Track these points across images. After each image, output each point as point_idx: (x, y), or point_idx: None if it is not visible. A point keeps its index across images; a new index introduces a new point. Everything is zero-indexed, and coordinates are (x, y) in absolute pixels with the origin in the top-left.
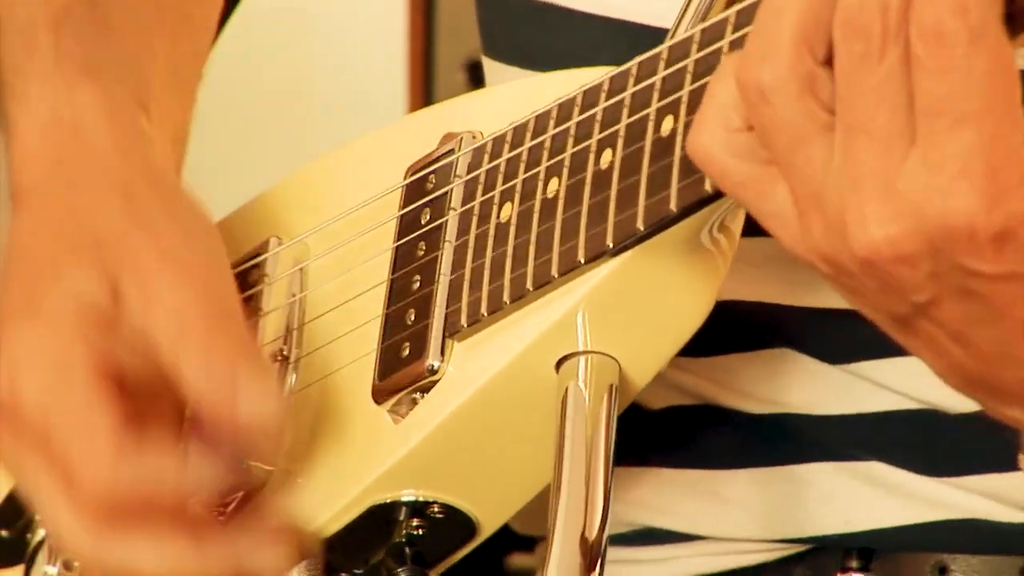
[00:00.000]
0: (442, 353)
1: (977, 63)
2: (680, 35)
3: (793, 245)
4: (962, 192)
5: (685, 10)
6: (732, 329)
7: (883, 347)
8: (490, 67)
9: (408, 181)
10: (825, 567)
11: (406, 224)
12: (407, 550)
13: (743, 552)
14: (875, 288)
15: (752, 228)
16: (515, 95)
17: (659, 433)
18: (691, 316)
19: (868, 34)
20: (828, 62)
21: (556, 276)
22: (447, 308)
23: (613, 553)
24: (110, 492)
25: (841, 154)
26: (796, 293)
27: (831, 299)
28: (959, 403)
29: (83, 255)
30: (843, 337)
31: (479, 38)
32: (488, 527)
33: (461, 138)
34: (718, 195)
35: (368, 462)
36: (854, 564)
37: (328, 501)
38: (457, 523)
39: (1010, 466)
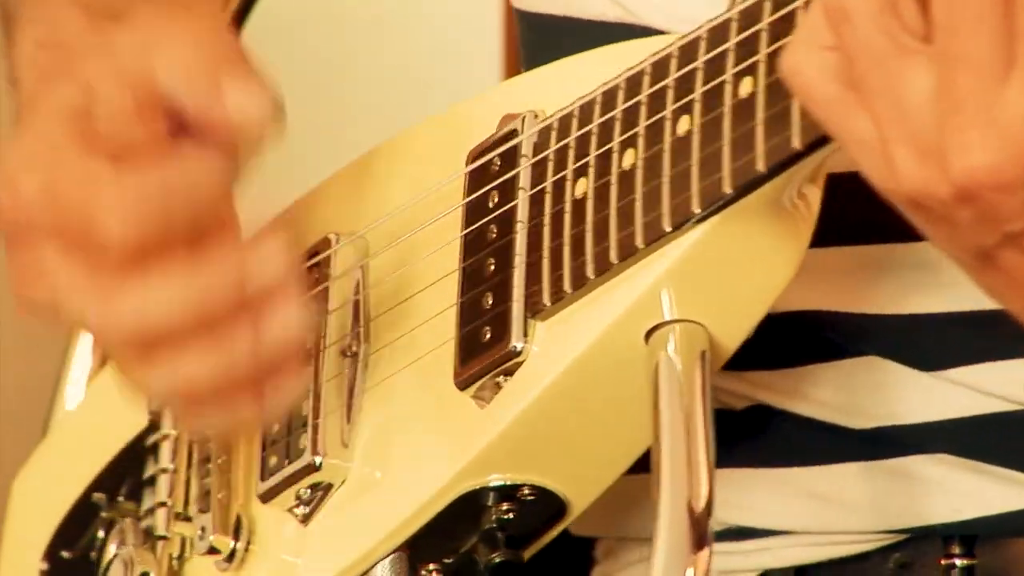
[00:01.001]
0: (525, 334)
1: None
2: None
3: (877, 174)
4: None
5: None
6: (813, 339)
7: (979, 352)
8: None
9: (471, 168)
10: (927, 554)
11: (473, 210)
12: (499, 535)
13: (840, 543)
14: (968, 219)
15: (832, 239)
16: (570, 72)
17: (744, 433)
18: (777, 278)
19: None
20: None
21: (641, 247)
22: (527, 289)
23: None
24: (128, 225)
25: (939, 81)
26: (880, 302)
27: (919, 305)
28: None
29: (55, 80)
30: (932, 344)
31: None
32: (578, 505)
33: (523, 118)
34: (807, 151)
35: (456, 450)
36: (956, 550)
37: (415, 493)
38: (548, 504)
39: None
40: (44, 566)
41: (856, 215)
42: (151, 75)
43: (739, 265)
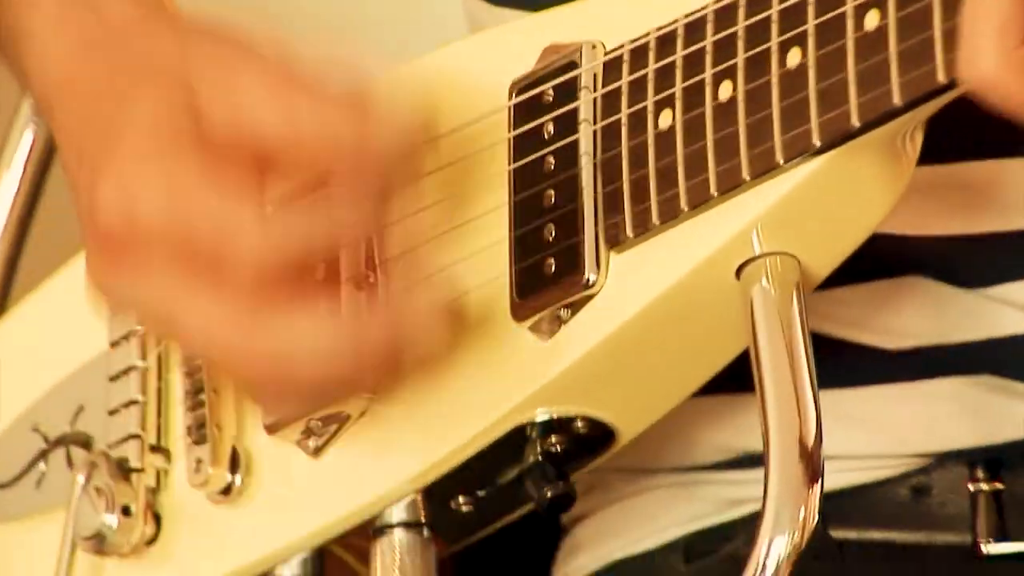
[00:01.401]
0: (598, 266)
1: None
2: None
3: None
4: None
5: None
6: (850, 260)
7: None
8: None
9: (517, 101)
10: (953, 479)
11: (523, 144)
12: (548, 467)
13: (861, 469)
14: None
15: None
16: (617, 5)
17: None
18: (874, 215)
19: None
20: None
21: (748, 179)
22: (606, 221)
23: (719, 476)
24: (265, 259)
25: None
26: (924, 223)
27: (963, 226)
28: None
29: (146, 84)
30: (977, 262)
31: None
32: (628, 435)
33: (580, 50)
34: (948, 86)
35: (514, 382)
36: (981, 475)
37: (467, 423)
38: (598, 434)
39: None
40: None
41: None
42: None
43: (842, 202)
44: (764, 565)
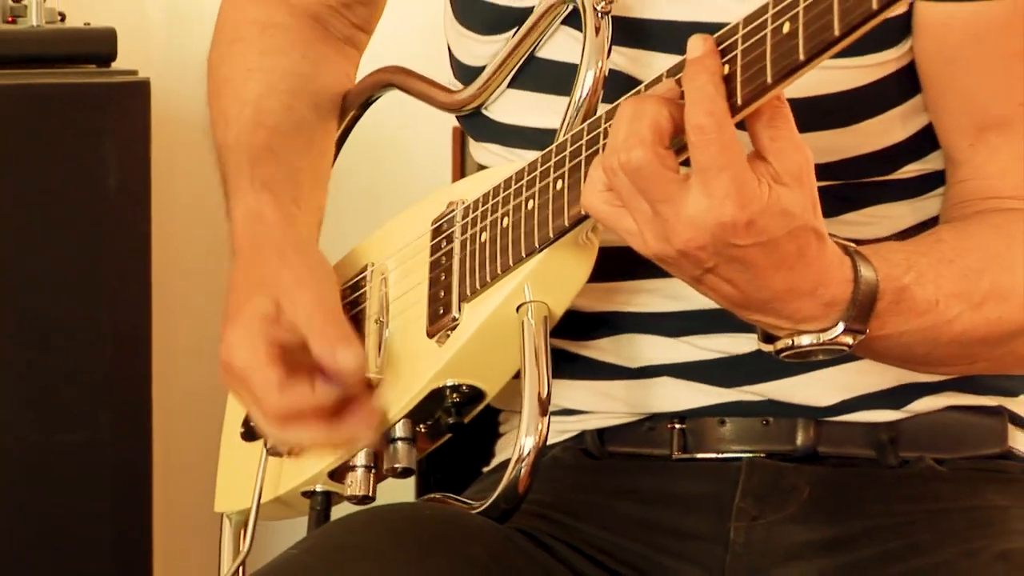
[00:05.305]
0: (460, 310)
1: (722, 138)
2: (564, 134)
3: (641, 247)
4: (728, 206)
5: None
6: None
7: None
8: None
9: (434, 227)
10: (658, 426)
11: (434, 248)
12: (452, 408)
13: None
14: (686, 263)
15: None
16: (473, 185)
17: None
18: (581, 278)
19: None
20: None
21: (512, 265)
22: (460, 288)
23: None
24: (279, 409)
25: (652, 205)
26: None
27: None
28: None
29: (259, 289)
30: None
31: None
32: (491, 394)
33: (457, 203)
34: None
35: (428, 368)
36: (677, 424)
37: (405, 389)
38: (474, 393)
39: (790, 373)
40: None
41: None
42: (299, 332)
43: (564, 271)
44: (522, 446)
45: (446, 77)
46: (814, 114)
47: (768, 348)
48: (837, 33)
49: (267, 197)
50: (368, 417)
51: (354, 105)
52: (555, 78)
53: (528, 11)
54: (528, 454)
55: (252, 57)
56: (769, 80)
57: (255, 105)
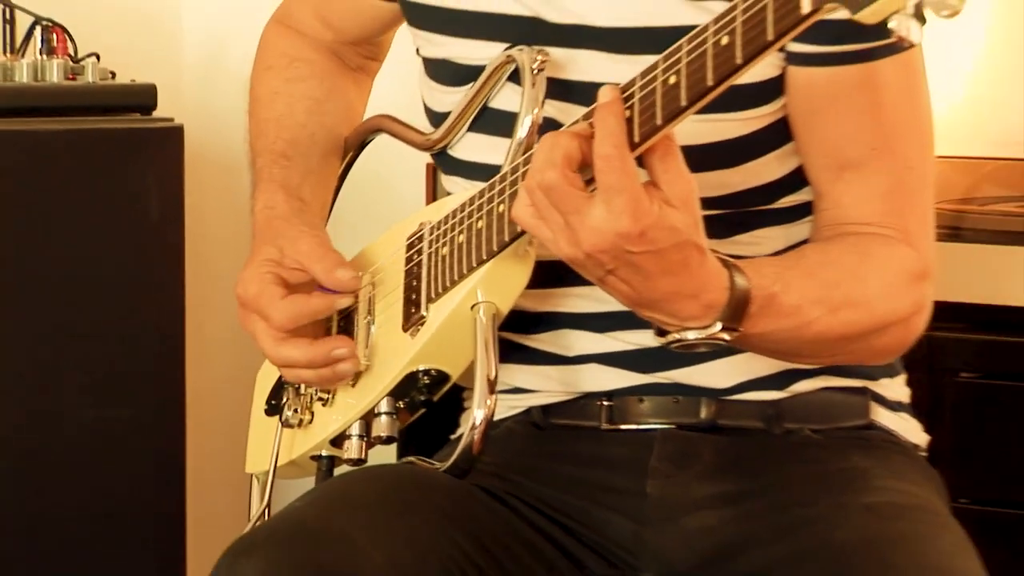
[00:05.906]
0: (427, 309)
1: (623, 165)
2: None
3: (557, 251)
4: (625, 219)
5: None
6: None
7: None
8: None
9: (408, 242)
10: (590, 403)
11: (407, 260)
12: (424, 388)
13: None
14: (591, 265)
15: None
16: (438, 209)
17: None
18: (522, 282)
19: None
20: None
21: (466, 273)
22: (428, 291)
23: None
24: (282, 317)
25: (564, 216)
26: (570, 302)
27: (575, 307)
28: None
29: (268, 244)
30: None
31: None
32: (454, 376)
33: (426, 224)
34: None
35: (404, 355)
36: (605, 402)
37: (387, 373)
38: (441, 376)
39: (695, 362)
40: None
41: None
42: (302, 265)
43: (507, 277)
44: (475, 417)
45: (422, 122)
46: (708, 157)
47: (661, 341)
48: (711, 83)
49: (281, 193)
50: (346, 340)
51: (353, 146)
52: (503, 124)
53: (482, 68)
54: (480, 423)
55: (279, 83)
56: (659, 121)
57: (277, 122)
